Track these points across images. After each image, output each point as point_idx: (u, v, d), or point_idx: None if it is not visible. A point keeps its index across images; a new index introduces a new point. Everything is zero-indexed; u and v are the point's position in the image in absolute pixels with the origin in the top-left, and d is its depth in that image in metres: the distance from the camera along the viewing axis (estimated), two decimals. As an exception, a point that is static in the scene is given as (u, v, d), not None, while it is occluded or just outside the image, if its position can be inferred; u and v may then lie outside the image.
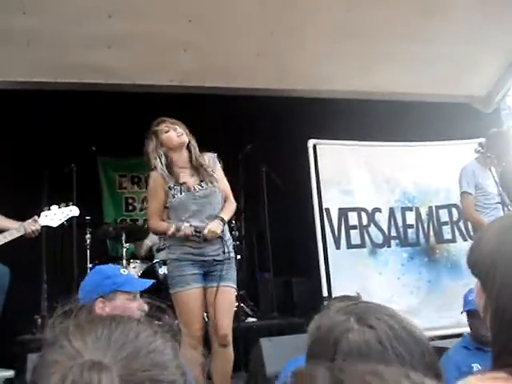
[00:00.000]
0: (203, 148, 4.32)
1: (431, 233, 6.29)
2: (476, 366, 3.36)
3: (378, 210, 6.11)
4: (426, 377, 0.49)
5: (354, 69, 6.11)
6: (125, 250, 6.75)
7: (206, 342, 4.04)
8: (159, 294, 4.91)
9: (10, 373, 4.43)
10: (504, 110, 7.73)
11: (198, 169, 4.16)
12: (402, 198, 6.27)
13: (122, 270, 2.96)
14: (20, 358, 4.39)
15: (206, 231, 3.98)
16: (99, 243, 7.28)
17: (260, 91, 6.36)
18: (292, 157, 6.43)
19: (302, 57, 5.87)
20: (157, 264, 6.44)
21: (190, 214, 4.08)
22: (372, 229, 6.04)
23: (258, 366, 4.64)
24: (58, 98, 6.40)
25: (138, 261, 6.78)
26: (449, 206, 6.35)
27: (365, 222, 6.02)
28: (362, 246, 5.96)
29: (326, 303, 2.69)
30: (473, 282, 1.32)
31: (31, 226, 4.17)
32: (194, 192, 4.08)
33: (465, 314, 3.79)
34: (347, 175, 6.11)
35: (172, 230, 3.99)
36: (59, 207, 4.39)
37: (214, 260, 4.02)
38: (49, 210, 4.34)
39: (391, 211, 6.18)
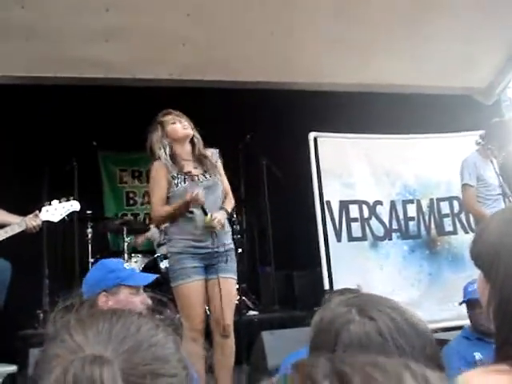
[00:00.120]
0: (203, 141, 4.33)
1: (432, 225, 6.28)
2: (478, 355, 3.37)
3: (380, 202, 6.11)
4: (428, 368, 0.49)
5: (355, 62, 6.10)
6: (126, 244, 6.76)
7: (208, 335, 4.06)
8: (161, 287, 4.90)
9: (12, 368, 4.44)
10: (505, 101, 7.72)
11: (201, 160, 4.21)
12: (403, 190, 6.27)
13: (125, 265, 2.97)
14: (22, 352, 4.40)
15: (215, 221, 4.00)
16: (100, 238, 7.30)
17: (260, 84, 6.35)
18: (293, 150, 6.42)
19: (302, 50, 5.86)
20: (158, 258, 6.44)
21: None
22: (373, 221, 6.03)
23: (260, 358, 4.66)
24: (57, 92, 6.40)
25: (139, 255, 6.80)
26: (450, 199, 6.34)
27: (366, 214, 6.01)
28: (363, 238, 5.96)
29: (326, 296, 2.68)
30: (474, 274, 1.32)
31: (32, 221, 4.18)
32: (197, 181, 4.10)
33: (464, 306, 3.80)
34: (348, 168, 6.10)
35: (183, 200, 3.97)
36: (60, 202, 4.39)
37: (215, 252, 4.02)
38: (50, 205, 4.35)
39: (392, 204, 6.17)
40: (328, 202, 5.88)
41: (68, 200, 4.45)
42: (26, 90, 6.11)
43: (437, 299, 5.83)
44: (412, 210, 6.24)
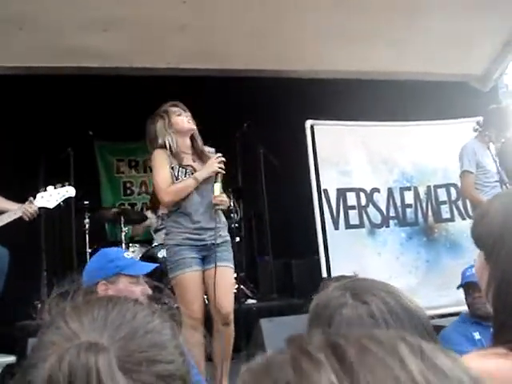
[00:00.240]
0: (201, 130, 4.34)
1: (430, 212, 6.29)
2: (477, 335, 3.41)
3: (377, 190, 6.11)
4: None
5: (352, 49, 6.07)
6: (124, 234, 6.75)
7: (206, 324, 4.07)
8: (159, 277, 4.92)
9: (11, 358, 4.44)
10: (501, 88, 7.72)
11: (200, 156, 4.23)
12: (401, 178, 6.27)
13: (125, 254, 2.96)
14: (21, 343, 4.41)
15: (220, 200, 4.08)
16: (98, 228, 7.28)
17: (257, 72, 6.33)
18: (290, 138, 6.42)
19: (299, 37, 5.83)
20: (156, 247, 6.44)
21: (191, 195, 4.10)
22: (370, 209, 6.04)
23: (259, 346, 4.67)
24: (54, 82, 6.37)
25: (137, 245, 6.80)
26: (447, 186, 6.35)
27: (363, 202, 6.02)
28: (360, 226, 5.97)
29: (323, 283, 2.69)
30: (472, 261, 1.32)
31: (28, 207, 4.16)
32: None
33: (462, 292, 3.82)
34: (345, 155, 6.10)
35: (192, 179, 4.03)
36: (55, 188, 4.37)
37: (212, 244, 4.06)
38: (45, 191, 4.32)
39: (390, 191, 6.18)
40: (325, 190, 5.88)
41: (63, 186, 4.42)
42: (23, 80, 6.09)
43: (435, 286, 5.85)
44: (409, 197, 6.25)
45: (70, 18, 5.16)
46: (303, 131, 5.93)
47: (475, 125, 5.59)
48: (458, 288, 3.84)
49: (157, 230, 6.96)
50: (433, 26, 5.84)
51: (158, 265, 3.06)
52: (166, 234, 4.23)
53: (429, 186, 6.34)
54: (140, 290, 2.74)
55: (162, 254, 6.20)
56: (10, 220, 4.12)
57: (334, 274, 5.37)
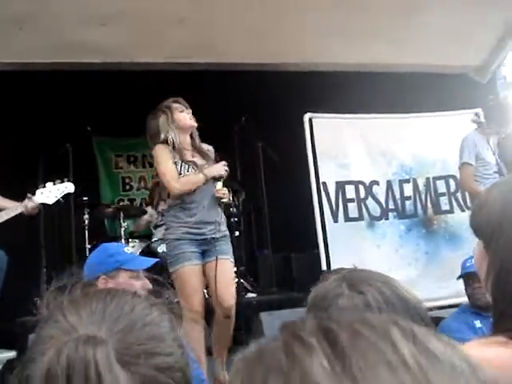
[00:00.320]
0: (199, 123, 4.34)
1: (429, 204, 6.29)
2: (478, 323, 3.43)
3: (376, 182, 6.11)
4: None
5: (350, 43, 6.06)
6: (123, 229, 6.75)
7: (206, 317, 4.09)
8: (159, 272, 4.92)
9: (11, 353, 4.46)
10: (500, 79, 7.69)
11: (200, 152, 4.27)
12: (400, 170, 6.26)
13: (125, 249, 2.96)
14: (21, 339, 4.42)
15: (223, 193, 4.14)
16: (97, 224, 7.28)
17: (256, 66, 6.32)
18: (288, 131, 6.41)
19: (298, 31, 5.82)
20: (155, 242, 6.44)
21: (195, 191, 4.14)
22: (370, 201, 6.03)
23: (258, 339, 4.68)
24: (51, 78, 6.36)
25: (136, 240, 6.79)
26: (446, 177, 6.35)
27: (362, 194, 6.02)
28: (359, 218, 5.96)
29: (322, 276, 2.70)
30: (471, 252, 1.32)
31: (28, 203, 4.16)
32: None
33: (462, 284, 3.83)
34: (344, 148, 6.09)
35: (202, 175, 4.08)
36: (54, 184, 4.37)
37: (212, 238, 4.09)
38: (44, 187, 4.32)
39: (389, 184, 6.17)
40: (324, 184, 5.88)
41: (62, 182, 4.43)
42: (20, 76, 6.07)
43: (434, 278, 5.85)
44: (408, 190, 6.24)
45: (67, 12, 5.15)
46: (302, 125, 5.92)
47: (473, 116, 5.58)
48: (457, 279, 3.85)
49: (156, 226, 6.96)
50: (432, 18, 5.83)
51: (158, 260, 3.06)
52: (166, 229, 4.25)
53: (428, 178, 6.34)
54: (140, 284, 2.74)
55: (161, 248, 6.20)
56: (9, 216, 4.12)
57: (333, 267, 5.36)
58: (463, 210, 6.21)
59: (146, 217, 7.26)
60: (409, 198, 6.24)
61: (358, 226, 5.94)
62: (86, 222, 6.61)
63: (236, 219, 6.55)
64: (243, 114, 6.38)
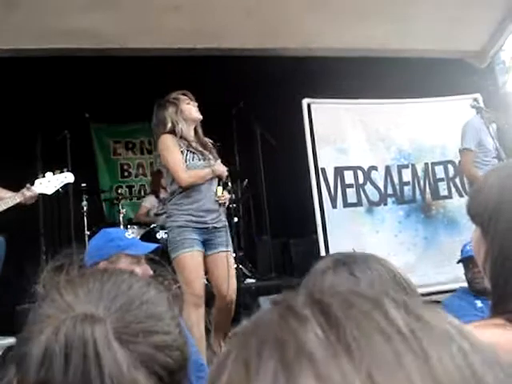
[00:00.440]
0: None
1: (427, 190, 6.29)
2: (479, 303, 3.46)
3: (374, 168, 6.11)
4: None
5: (349, 27, 6.02)
6: (122, 215, 6.76)
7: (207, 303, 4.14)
8: (160, 257, 4.92)
9: (11, 340, 4.47)
10: (498, 64, 7.66)
11: (203, 145, 4.37)
12: (398, 155, 6.26)
13: (126, 234, 2.96)
14: (20, 325, 4.42)
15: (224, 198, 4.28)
16: (96, 210, 7.29)
17: (253, 51, 6.29)
18: (287, 117, 6.40)
19: (294, 15, 5.78)
20: (155, 228, 6.45)
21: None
22: (368, 187, 6.03)
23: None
24: (48, 64, 6.32)
25: (135, 226, 6.79)
26: (444, 163, 6.35)
27: (361, 180, 6.02)
28: (358, 204, 5.97)
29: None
30: (470, 238, 1.32)
31: (26, 192, 4.17)
32: (208, 161, 4.29)
33: (461, 269, 3.85)
34: (342, 134, 6.08)
35: (210, 170, 4.21)
36: (54, 174, 4.38)
37: (214, 227, 4.17)
38: (43, 177, 4.33)
39: (387, 169, 6.17)
40: (323, 169, 5.88)
41: (62, 172, 4.44)
42: (18, 63, 6.04)
43: (433, 263, 5.86)
44: (407, 175, 6.24)
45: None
46: (300, 110, 5.91)
47: (472, 101, 5.57)
48: (457, 263, 3.87)
49: (157, 215, 6.97)
50: (430, 3, 5.80)
51: (159, 245, 3.06)
52: (168, 217, 4.29)
53: (426, 164, 6.33)
54: (141, 269, 2.74)
55: (160, 235, 6.21)
56: (7, 206, 4.12)
57: (332, 252, 5.37)
58: (461, 196, 6.21)
59: (146, 205, 7.28)
60: (407, 183, 6.24)
61: (356, 211, 5.95)
62: (85, 208, 6.61)
63: (234, 204, 6.55)
64: (241, 99, 6.36)
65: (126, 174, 8.62)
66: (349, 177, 5.98)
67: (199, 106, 4.41)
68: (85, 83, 7.06)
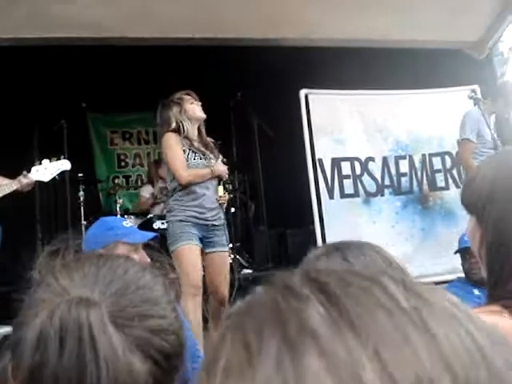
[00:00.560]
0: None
1: (424, 181, 6.28)
2: (476, 291, 3.47)
3: (372, 159, 6.10)
4: None
5: (346, 17, 6.00)
6: (118, 205, 6.75)
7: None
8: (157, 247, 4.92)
9: (7, 329, 4.46)
10: (496, 56, 7.65)
11: (206, 145, 4.49)
12: (395, 146, 6.25)
13: (124, 223, 2.95)
14: (17, 314, 4.42)
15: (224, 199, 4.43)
16: (93, 200, 7.28)
17: (252, 41, 6.26)
18: (284, 107, 6.38)
19: (293, 5, 5.76)
20: (153, 218, 6.43)
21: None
22: (365, 178, 6.02)
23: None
24: (45, 53, 6.30)
25: (132, 216, 6.78)
26: (442, 154, 6.34)
27: (358, 171, 6.00)
28: (355, 195, 5.96)
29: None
30: (466, 229, 1.33)
31: (22, 180, 4.16)
32: (209, 160, 4.40)
33: (458, 260, 3.86)
34: (339, 125, 6.06)
35: (210, 170, 4.32)
36: (50, 161, 4.39)
37: (213, 225, 4.30)
38: (40, 164, 4.34)
39: (385, 160, 6.16)
40: (320, 160, 5.86)
41: (58, 159, 4.46)
42: (14, 52, 6.01)
43: (430, 254, 5.87)
44: (404, 166, 6.23)
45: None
46: (298, 101, 5.89)
47: (470, 92, 5.56)
48: (455, 253, 3.88)
49: (154, 204, 6.97)
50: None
51: (157, 234, 3.06)
52: (169, 211, 4.39)
53: (424, 155, 6.32)
54: (139, 258, 2.73)
55: (157, 225, 6.20)
56: (3, 194, 4.12)
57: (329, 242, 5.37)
58: (458, 187, 6.20)
59: (144, 194, 7.27)
60: (405, 174, 6.23)
61: (353, 202, 5.94)
62: (82, 198, 6.60)
63: (232, 195, 6.55)
64: (239, 89, 6.34)
65: (122, 164, 8.60)
66: (346, 168, 5.97)
67: (198, 95, 4.49)
68: (82, 73, 7.04)
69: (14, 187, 4.15)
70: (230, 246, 5.16)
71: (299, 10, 5.77)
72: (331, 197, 5.85)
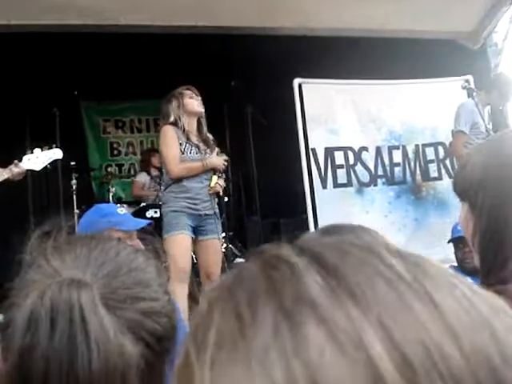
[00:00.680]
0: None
1: (418, 171, 6.29)
2: (469, 279, 3.48)
3: (365, 148, 6.09)
4: None
5: (340, 6, 5.99)
6: (111, 194, 6.74)
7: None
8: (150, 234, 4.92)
9: (-1, 317, 4.46)
10: (491, 46, 7.64)
11: (204, 140, 4.61)
12: (389, 136, 6.25)
13: (118, 210, 2.95)
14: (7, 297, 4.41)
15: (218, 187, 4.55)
16: (85, 189, 7.26)
17: (249, 30, 6.24)
18: (278, 96, 6.36)
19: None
20: (146, 207, 6.42)
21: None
22: (359, 168, 6.02)
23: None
24: (37, 40, 6.25)
25: (124, 205, 6.76)
26: (435, 144, 6.34)
27: (351, 161, 6.00)
28: (348, 185, 5.96)
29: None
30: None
31: (14, 169, 4.13)
32: (205, 155, 4.51)
33: (451, 249, 3.88)
34: (333, 114, 6.05)
35: (202, 164, 4.41)
36: (42, 150, 4.37)
37: (205, 214, 4.43)
38: (31, 153, 4.32)
39: (378, 150, 6.16)
40: (313, 150, 5.86)
41: (50, 148, 4.45)
42: (5, 38, 5.96)
43: (422, 244, 5.87)
44: (398, 156, 6.23)
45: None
46: (292, 90, 5.88)
47: (464, 83, 5.56)
48: (448, 242, 3.90)
49: (148, 193, 6.96)
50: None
51: (151, 221, 3.06)
52: (164, 203, 4.51)
53: (417, 145, 6.32)
54: (132, 245, 2.72)
55: (150, 213, 6.19)
56: None
57: (322, 232, 5.37)
58: (451, 177, 6.18)
59: (139, 180, 7.26)
60: (398, 164, 6.24)
61: (346, 191, 5.94)
62: (74, 187, 6.58)
63: (225, 185, 6.54)
64: (232, 78, 6.31)
65: (115, 152, 8.58)
66: (339, 157, 5.96)
67: (191, 84, 4.58)
68: (75, 61, 6.99)
69: (6, 176, 4.12)
70: (223, 235, 5.19)
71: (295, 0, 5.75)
72: (324, 186, 5.85)
